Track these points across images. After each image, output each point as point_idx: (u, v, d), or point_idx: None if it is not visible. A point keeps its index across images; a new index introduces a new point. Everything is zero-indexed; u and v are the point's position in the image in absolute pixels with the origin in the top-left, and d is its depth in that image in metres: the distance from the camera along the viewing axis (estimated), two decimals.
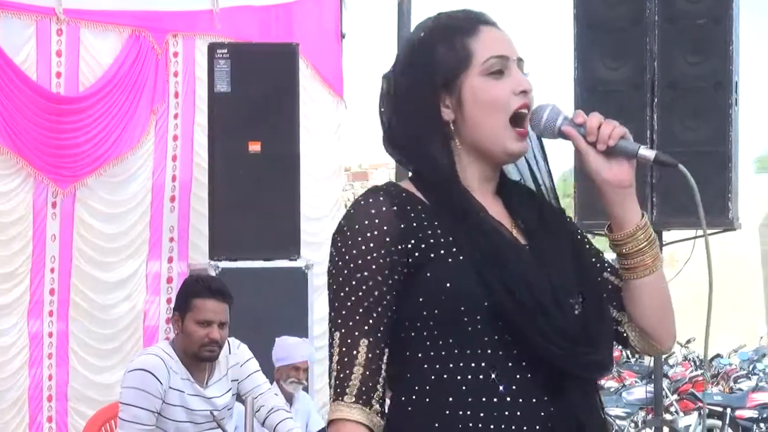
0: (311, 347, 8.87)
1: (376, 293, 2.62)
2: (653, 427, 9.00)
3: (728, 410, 15.12)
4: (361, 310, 2.62)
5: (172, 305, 10.18)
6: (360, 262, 2.63)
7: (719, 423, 15.11)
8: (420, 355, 2.64)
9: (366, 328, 2.62)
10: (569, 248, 2.80)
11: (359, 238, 2.63)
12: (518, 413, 2.60)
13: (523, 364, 2.62)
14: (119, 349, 10.15)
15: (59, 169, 9.85)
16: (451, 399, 2.61)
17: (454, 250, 2.62)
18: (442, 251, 2.62)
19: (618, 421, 14.53)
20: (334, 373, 2.63)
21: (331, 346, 2.67)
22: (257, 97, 9.06)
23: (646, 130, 7.80)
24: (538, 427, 2.62)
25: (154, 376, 6.15)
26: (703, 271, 2.87)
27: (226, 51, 9.11)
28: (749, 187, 18.28)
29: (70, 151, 9.92)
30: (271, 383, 7.95)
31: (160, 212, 10.40)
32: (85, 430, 7.21)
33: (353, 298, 2.63)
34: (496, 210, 2.75)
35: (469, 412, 2.59)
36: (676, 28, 8.03)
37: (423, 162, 2.74)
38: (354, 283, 2.63)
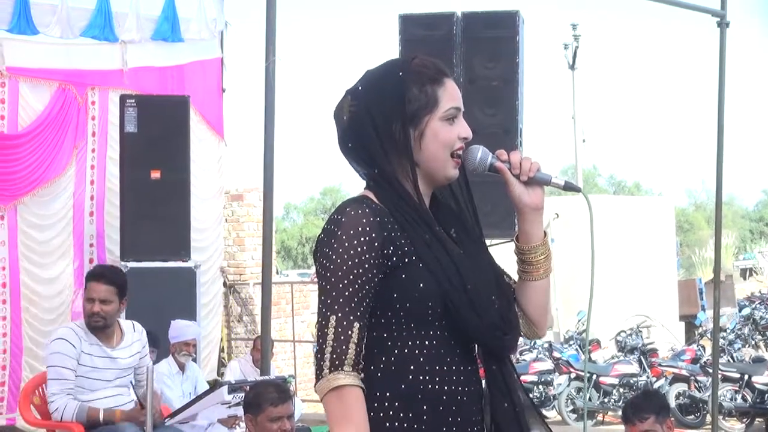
0: (198, 328, 8.90)
1: (366, 287, 2.56)
2: None
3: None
4: (356, 299, 2.55)
5: None
6: (356, 260, 2.55)
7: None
8: (385, 335, 2.61)
9: (358, 314, 2.55)
10: (488, 256, 2.79)
11: (354, 242, 2.56)
12: (462, 377, 2.66)
13: (460, 341, 2.65)
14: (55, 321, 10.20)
15: (3, 191, 9.81)
16: (412, 367, 2.60)
17: (420, 257, 2.61)
18: (414, 258, 2.60)
19: None
20: (330, 349, 2.53)
21: (325, 326, 2.55)
22: (157, 136, 9.03)
23: None
24: (472, 388, 2.69)
25: (69, 342, 6.31)
26: None
27: (133, 101, 9.11)
28: None
29: (11, 176, 9.88)
30: (168, 355, 8.05)
31: (81, 224, 10.40)
32: (22, 392, 7.16)
33: (350, 289, 2.55)
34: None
35: (427, 377, 2.61)
36: (476, 87, 8.04)
37: (390, 175, 2.67)
38: (351, 277, 2.55)
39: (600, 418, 15.14)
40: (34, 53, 10.14)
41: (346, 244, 2.56)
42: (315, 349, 2.64)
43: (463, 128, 2.74)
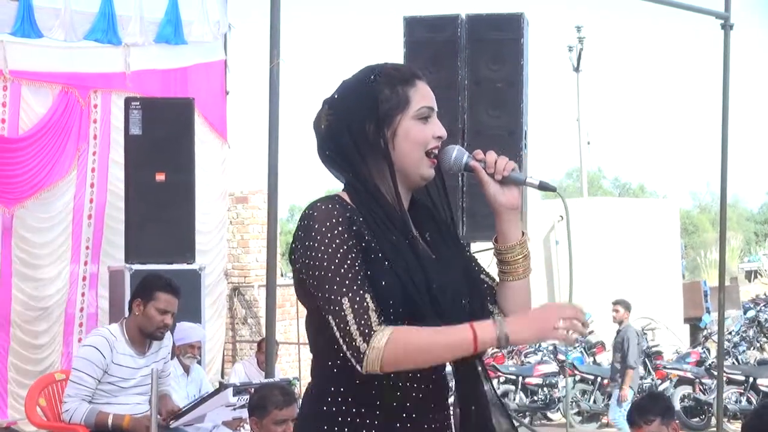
0: (203, 331, 8.91)
1: (358, 263, 2.57)
2: None
3: (519, 378, 15.42)
4: (359, 276, 2.56)
5: (93, 295, 10.31)
6: (341, 243, 2.58)
7: (513, 387, 15.33)
8: None
9: (366, 287, 2.55)
10: (462, 259, 2.81)
11: (335, 231, 2.59)
12: (419, 375, 2.65)
13: None
14: (48, 330, 10.22)
15: (4, 194, 9.84)
16: None
17: (386, 257, 2.62)
18: (380, 255, 2.61)
19: None
20: (354, 326, 2.52)
21: (340, 311, 2.54)
22: (162, 138, 8.99)
23: None
24: (431, 386, 2.69)
25: (100, 351, 6.34)
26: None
27: (138, 103, 9.08)
28: (537, 210, 18.47)
29: (12, 180, 9.91)
30: (173, 358, 8.07)
31: (80, 226, 10.42)
32: (28, 393, 7.19)
33: (349, 269, 2.56)
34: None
35: (391, 373, 2.59)
36: (481, 89, 8.04)
37: (366, 178, 2.70)
38: (343, 258, 2.57)
39: (604, 420, 15.16)
40: (38, 56, 10.18)
41: (329, 234, 2.59)
42: (335, 345, 2.61)
43: (437, 127, 2.77)
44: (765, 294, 26.52)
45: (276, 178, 8.51)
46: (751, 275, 38.24)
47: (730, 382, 13.87)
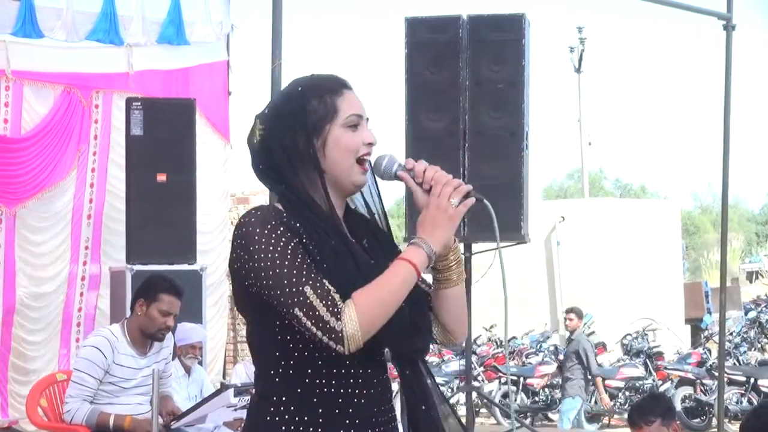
0: (204, 331, 8.89)
1: (306, 256, 2.60)
2: (465, 392, 9.04)
3: (521, 379, 15.45)
4: (312, 267, 2.59)
5: (91, 296, 10.30)
6: (284, 239, 2.60)
7: (514, 388, 15.34)
8: (288, 337, 2.64)
9: (320, 273, 2.58)
10: None
11: (277, 231, 2.61)
12: (360, 380, 2.68)
13: (368, 346, 2.63)
14: (44, 328, 10.22)
15: (6, 194, 9.83)
16: (309, 371, 2.65)
17: (325, 262, 2.63)
18: (319, 258, 2.62)
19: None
20: (323, 309, 2.55)
21: (305, 300, 2.55)
22: (163, 139, 8.98)
23: (459, 168, 7.83)
24: (372, 390, 2.71)
25: (101, 352, 6.33)
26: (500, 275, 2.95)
27: (139, 103, 9.06)
28: (537, 211, 18.46)
29: (14, 180, 9.90)
30: (174, 358, 8.06)
31: (79, 226, 10.41)
32: (29, 393, 7.18)
33: (301, 262, 2.59)
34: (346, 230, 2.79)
35: (323, 380, 2.66)
36: (482, 90, 8.07)
37: (299, 189, 2.72)
38: (293, 253, 2.59)
39: (606, 421, 15.17)
40: (40, 57, 10.17)
41: (273, 235, 2.61)
42: (307, 334, 2.61)
43: (366, 134, 2.78)
44: (766, 295, 26.53)
45: None
46: (752, 276, 38.25)
47: (731, 382, 13.86)
